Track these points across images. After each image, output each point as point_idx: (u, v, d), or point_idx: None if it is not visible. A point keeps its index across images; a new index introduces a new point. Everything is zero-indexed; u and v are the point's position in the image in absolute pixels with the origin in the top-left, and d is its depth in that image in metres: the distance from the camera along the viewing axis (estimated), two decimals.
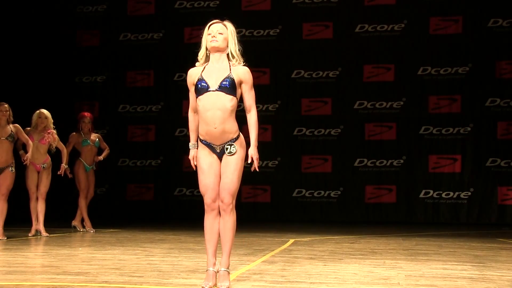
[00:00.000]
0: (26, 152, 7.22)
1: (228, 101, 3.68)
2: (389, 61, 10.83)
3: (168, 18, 11.46)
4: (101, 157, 8.32)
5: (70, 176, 8.01)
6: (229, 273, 3.80)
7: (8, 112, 7.09)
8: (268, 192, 11.01)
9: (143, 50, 11.46)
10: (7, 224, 7.20)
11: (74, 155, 8.19)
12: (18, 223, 8.11)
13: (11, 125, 7.13)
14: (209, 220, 3.81)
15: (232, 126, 3.70)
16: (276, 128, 11.04)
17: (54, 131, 7.58)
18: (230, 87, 3.66)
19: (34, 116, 7.57)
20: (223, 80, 3.67)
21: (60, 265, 4.82)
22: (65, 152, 7.72)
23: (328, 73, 10.98)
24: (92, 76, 11.61)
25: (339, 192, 10.88)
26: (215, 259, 3.81)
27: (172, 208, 11.17)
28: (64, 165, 7.67)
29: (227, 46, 3.74)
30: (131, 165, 11.44)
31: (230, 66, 3.73)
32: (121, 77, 11.53)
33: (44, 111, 7.59)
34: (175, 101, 11.32)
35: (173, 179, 11.23)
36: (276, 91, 11.10)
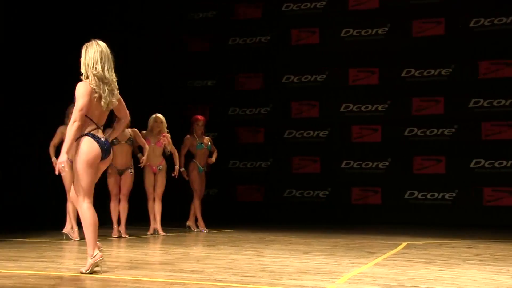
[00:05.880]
0: (143, 155, 7.60)
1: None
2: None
3: (275, 21, 11.59)
4: (213, 159, 8.55)
5: (187, 178, 8.30)
6: None
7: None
8: (378, 193, 10.84)
9: (252, 53, 11.67)
10: (128, 223, 7.61)
11: (187, 157, 8.48)
12: (137, 222, 8.52)
13: (129, 129, 7.53)
14: None
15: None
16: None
17: (168, 135, 7.91)
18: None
19: (150, 120, 7.92)
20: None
21: (176, 263, 5.02)
22: (177, 155, 8.01)
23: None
24: (203, 80, 11.99)
25: (454, 194, 10.46)
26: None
27: (281, 209, 11.26)
28: (178, 167, 7.95)
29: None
30: (241, 167, 11.67)
31: None
32: (230, 81, 11.81)
33: (160, 115, 7.93)
34: (283, 103, 11.46)
35: (282, 181, 11.34)
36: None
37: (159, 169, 7.85)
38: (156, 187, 7.86)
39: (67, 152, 4.20)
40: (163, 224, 7.95)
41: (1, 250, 5.76)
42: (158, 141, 7.82)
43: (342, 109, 11.10)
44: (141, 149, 7.67)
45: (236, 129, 11.70)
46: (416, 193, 10.62)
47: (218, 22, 11.89)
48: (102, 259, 4.34)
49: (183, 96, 11.84)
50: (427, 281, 4.19)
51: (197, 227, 8.50)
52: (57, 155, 6.95)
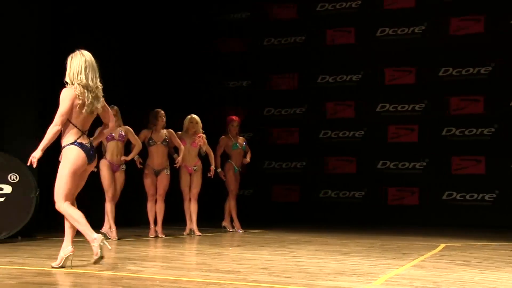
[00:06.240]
0: (179, 155, 7.67)
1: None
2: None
3: (310, 21, 11.56)
4: (248, 159, 8.58)
5: (224, 178, 8.35)
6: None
7: (165, 118, 7.59)
8: (415, 194, 10.72)
9: (287, 53, 11.66)
10: (164, 223, 7.69)
11: (223, 158, 8.52)
12: (174, 222, 8.61)
13: (165, 130, 7.61)
14: None
15: (64, 138, 4.62)
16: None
17: (204, 135, 7.97)
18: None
19: (186, 121, 7.99)
20: None
21: (212, 263, 5.05)
22: (212, 155, 8.07)
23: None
24: (238, 81, 12.04)
25: (494, 195, 10.25)
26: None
27: (317, 210, 11.22)
28: (213, 168, 8.01)
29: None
30: (277, 167, 11.67)
31: None
32: (265, 81, 11.83)
33: (195, 116, 7.99)
34: (318, 103, 11.42)
35: (318, 181, 11.30)
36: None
37: (195, 169, 7.91)
38: (191, 187, 7.92)
39: (42, 150, 4.51)
40: (199, 224, 8.00)
41: (42, 249, 5.90)
42: (194, 141, 7.88)
43: (378, 109, 11.02)
44: (176, 150, 7.75)
45: (271, 130, 11.71)
46: (455, 194, 10.45)
47: (253, 23, 11.92)
48: (73, 253, 4.63)
49: (218, 97, 11.91)
50: (467, 284, 4.12)
51: (233, 227, 8.53)
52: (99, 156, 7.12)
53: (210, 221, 9.04)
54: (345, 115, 11.23)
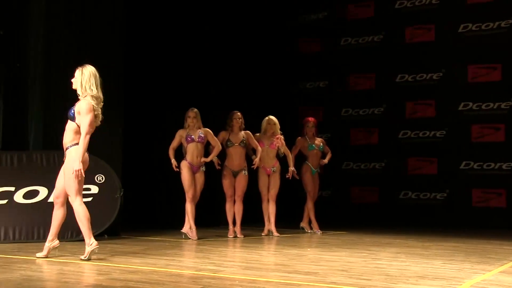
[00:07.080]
0: (256, 156, 7.73)
1: (72, 125, 5.06)
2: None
3: (388, 19, 11.35)
4: (326, 161, 8.53)
5: (297, 177, 8.34)
6: None
7: (241, 120, 7.68)
8: (502, 196, 10.25)
9: (364, 53, 11.50)
10: (243, 224, 7.78)
11: (300, 159, 8.52)
12: (252, 223, 8.68)
13: (242, 132, 7.70)
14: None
15: (68, 139, 5.06)
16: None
17: (282, 136, 7.99)
18: (72, 116, 5.04)
19: (264, 123, 8.05)
20: (69, 110, 5.09)
21: (290, 264, 5.05)
22: (290, 157, 8.08)
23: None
24: (315, 81, 11.99)
25: None
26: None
27: (397, 211, 10.98)
28: (292, 169, 8.03)
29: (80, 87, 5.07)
30: (355, 168, 11.53)
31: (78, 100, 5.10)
32: (343, 81, 11.72)
33: (273, 117, 8.03)
34: (397, 102, 11.18)
35: (398, 182, 11.05)
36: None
37: (273, 170, 7.95)
38: (270, 188, 7.96)
39: (80, 160, 4.92)
40: (277, 225, 8.03)
41: (128, 247, 6.12)
42: (272, 143, 7.92)
43: (460, 108, 10.63)
44: (255, 151, 7.81)
45: (349, 130, 11.58)
46: None
47: (330, 23, 11.84)
48: (98, 246, 5.00)
49: (296, 98, 11.91)
50: None
51: (311, 228, 8.51)
52: (176, 157, 7.31)
53: (288, 222, 9.04)
54: (426, 114, 10.92)
